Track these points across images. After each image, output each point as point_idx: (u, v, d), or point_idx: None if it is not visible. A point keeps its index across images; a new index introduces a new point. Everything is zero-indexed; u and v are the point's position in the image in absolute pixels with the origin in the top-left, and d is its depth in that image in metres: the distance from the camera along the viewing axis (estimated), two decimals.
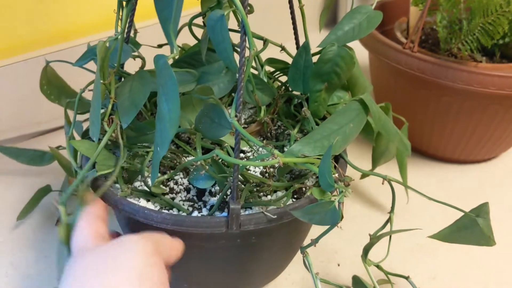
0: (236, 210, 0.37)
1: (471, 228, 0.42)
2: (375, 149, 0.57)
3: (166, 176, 0.44)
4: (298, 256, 0.52)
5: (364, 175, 0.67)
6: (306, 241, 0.52)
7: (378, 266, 0.46)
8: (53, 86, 0.53)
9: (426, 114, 0.71)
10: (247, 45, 0.36)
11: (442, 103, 0.68)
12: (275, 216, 0.38)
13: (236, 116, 0.36)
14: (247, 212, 0.40)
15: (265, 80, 0.54)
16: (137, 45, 0.53)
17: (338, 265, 0.57)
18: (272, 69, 0.57)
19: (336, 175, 0.38)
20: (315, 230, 0.60)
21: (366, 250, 0.43)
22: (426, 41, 0.77)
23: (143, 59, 0.53)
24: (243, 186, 0.41)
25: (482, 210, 0.42)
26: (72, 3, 0.77)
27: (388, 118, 0.51)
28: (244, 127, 0.53)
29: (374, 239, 0.42)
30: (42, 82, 0.52)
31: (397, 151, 0.59)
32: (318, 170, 0.37)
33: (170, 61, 0.51)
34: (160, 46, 0.56)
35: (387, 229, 0.44)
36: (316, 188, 0.39)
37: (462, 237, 0.43)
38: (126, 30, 0.46)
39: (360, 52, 0.80)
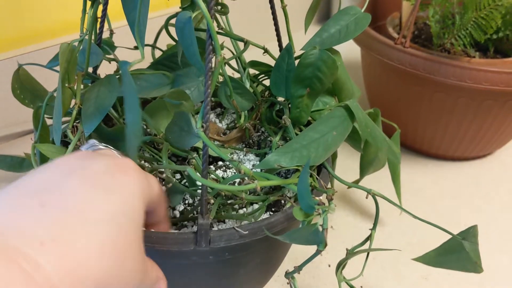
0: (205, 226, 0.35)
1: (458, 253, 0.39)
2: (363, 158, 0.55)
3: None
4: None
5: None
6: (294, 252, 0.50)
7: (351, 286, 0.43)
8: (26, 89, 0.51)
9: (419, 110, 0.69)
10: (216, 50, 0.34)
11: (435, 99, 0.66)
12: (247, 232, 0.36)
13: (202, 126, 0.33)
14: (219, 227, 0.38)
15: (248, 83, 0.51)
16: (113, 47, 0.50)
17: (329, 265, 0.55)
18: (256, 72, 0.54)
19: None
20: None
21: (339, 265, 0.41)
22: (418, 36, 0.75)
23: (118, 62, 0.50)
24: (213, 199, 0.39)
25: (469, 233, 0.39)
26: (45, 3, 0.75)
27: (376, 125, 0.49)
28: (225, 133, 0.50)
29: (350, 254, 0.41)
30: (15, 85, 0.50)
31: (389, 159, 0.57)
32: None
33: (147, 64, 0.48)
34: (136, 47, 0.52)
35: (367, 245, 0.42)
36: (297, 208, 0.36)
37: (447, 261, 0.41)
38: (98, 31, 0.44)
39: (352, 49, 0.78)
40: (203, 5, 0.31)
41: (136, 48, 0.53)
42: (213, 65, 0.33)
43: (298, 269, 0.37)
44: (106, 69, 0.51)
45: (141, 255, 0.29)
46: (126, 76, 0.31)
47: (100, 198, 0.26)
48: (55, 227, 0.23)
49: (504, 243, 0.60)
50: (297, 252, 0.54)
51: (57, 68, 0.46)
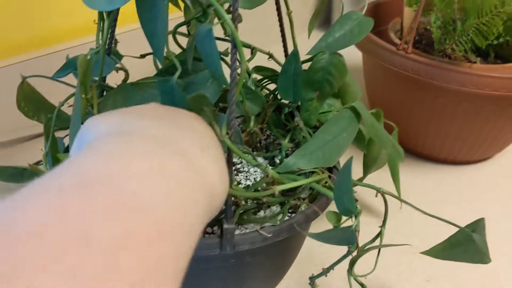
0: (230, 230, 0.36)
1: (466, 245, 0.41)
2: (367, 157, 0.57)
3: None
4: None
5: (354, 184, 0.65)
6: (300, 254, 0.51)
7: (361, 284, 0.43)
8: (30, 102, 0.51)
9: (421, 115, 0.71)
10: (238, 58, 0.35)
11: (437, 104, 0.68)
12: (271, 235, 0.37)
13: (227, 133, 0.34)
14: (240, 231, 0.39)
15: (253, 88, 0.51)
16: (119, 56, 0.50)
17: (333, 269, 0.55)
18: (259, 77, 0.55)
19: None
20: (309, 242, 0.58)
21: (352, 263, 0.42)
22: (420, 41, 0.76)
23: (126, 71, 0.50)
24: (244, 201, 0.41)
25: (478, 226, 0.40)
26: (51, 9, 0.76)
27: (380, 124, 0.51)
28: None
29: (362, 252, 0.41)
30: (19, 99, 0.50)
31: (389, 157, 0.58)
32: (332, 194, 0.36)
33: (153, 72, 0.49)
34: (143, 56, 0.53)
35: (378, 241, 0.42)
36: (331, 213, 0.38)
37: (455, 254, 0.42)
38: (107, 41, 0.44)
39: (354, 54, 0.79)
40: (227, 17, 0.32)
41: (142, 56, 0.54)
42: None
43: (326, 271, 0.38)
44: (112, 78, 0.51)
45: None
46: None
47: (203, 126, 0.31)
48: (204, 141, 0.29)
49: (505, 246, 0.61)
50: (299, 257, 0.54)
51: (63, 79, 0.47)
